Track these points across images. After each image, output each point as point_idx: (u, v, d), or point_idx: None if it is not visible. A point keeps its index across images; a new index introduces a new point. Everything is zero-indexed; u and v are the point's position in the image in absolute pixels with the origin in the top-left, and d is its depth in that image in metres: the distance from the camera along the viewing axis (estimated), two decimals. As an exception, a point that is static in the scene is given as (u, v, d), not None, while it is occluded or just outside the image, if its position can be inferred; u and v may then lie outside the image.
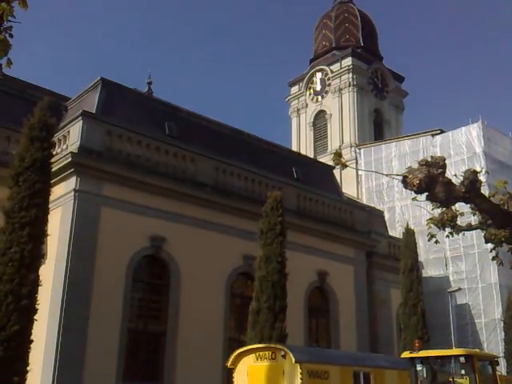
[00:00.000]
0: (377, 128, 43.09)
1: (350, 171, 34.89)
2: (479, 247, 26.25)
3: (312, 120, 44.39)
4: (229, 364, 13.63)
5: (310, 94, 45.11)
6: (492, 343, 26.19)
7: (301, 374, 12.05)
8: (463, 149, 28.83)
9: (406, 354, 15.94)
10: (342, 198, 27.68)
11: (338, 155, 9.78)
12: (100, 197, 17.88)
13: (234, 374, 13.45)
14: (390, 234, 29.94)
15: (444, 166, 8.58)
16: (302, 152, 39.64)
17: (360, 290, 25.12)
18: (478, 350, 17.72)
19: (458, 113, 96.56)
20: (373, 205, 31.53)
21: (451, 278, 27.97)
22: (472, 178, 8.61)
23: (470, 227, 10.25)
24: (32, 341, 12.84)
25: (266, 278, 16.64)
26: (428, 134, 31.36)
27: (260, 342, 14.70)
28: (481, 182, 8.82)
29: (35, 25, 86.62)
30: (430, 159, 8.61)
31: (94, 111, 19.52)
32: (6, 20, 5.20)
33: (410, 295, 23.30)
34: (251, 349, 13.45)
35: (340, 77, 43.05)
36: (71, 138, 18.51)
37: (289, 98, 46.96)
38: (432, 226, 9.67)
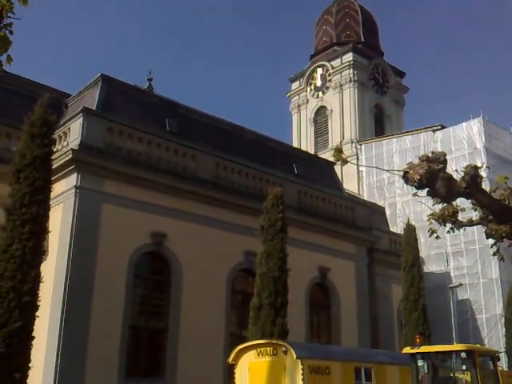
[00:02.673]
0: (378, 124, 43.00)
1: (351, 167, 34.85)
2: (480, 243, 26.24)
3: (313, 116, 44.31)
4: (230, 360, 13.69)
5: (310, 90, 45.01)
6: (493, 339, 26.20)
7: (302, 369, 12.09)
8: (464, 144, 28.79)
9: (407, 350, 15.92)
10: (342, 194, 27.66)
11: (338, 151, 9.78)
12: (101, 193, 17.89)
13: (236, 370, 13.50)
14: (391, 229, 29.93)
15: (445, 162, 8.56)
16: (303, 148, 39.60)
17: (361, 286, 25.13)
18: (479, 346, 17.68)
19: (459, 108, 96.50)
20: (374, 201, 31.51)
21: (452, 274, 27.96)
22: (473, 174, 8.59)
23: (470, 223, 10.22)
24: (34, 337, 12.88)
25: (267, 274, 16.66)
26: (429, 130, 31.31)
27: (261, 338, 14.73)
28: (481, 178, 8.80)
29: (35, 21, 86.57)
30: (430, 155, 8.59)
31: (94, 108, 19.51)
32: (5, 17, 5.20)
33: (411, 291, 23.33)
34: (252, 345, 13.50)
35: (341, 72, 42.95)
36: (72, 134, 18.51)
37: (289, 93, 46.87)
38: (433, 221, 9.64)
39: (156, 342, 18.56)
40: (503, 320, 25.72)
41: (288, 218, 18.03)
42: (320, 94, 44.23)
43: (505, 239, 9.61)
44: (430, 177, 8.35)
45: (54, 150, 15.16)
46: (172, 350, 18.32)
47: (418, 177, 8.30)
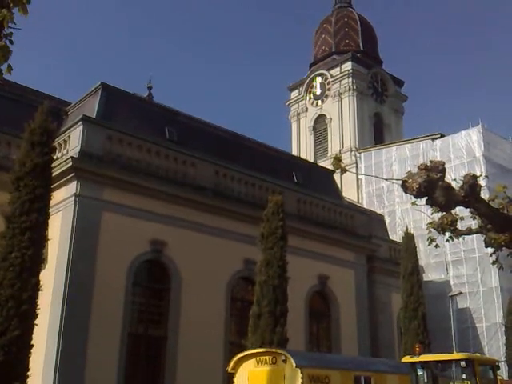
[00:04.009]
0: (377, 132, 43.11)
1: (351, 175, 34.89)
2: (480, 251, 26.24)
3: (312, 124, 44.42)
4: (229, 368, 13.63)
5: (309, 99, 45.15)
6: (493, 347, 26.15)
7: (301, 378, 12.04)
8: (463, 153, 28.88)
9: (406, 359, 15.90)
10: (342, 202, 27.67)
11: (337, 160, 9.76)
12: (100, 201, 17.90)
13: (235, 379, 13.44)
14: (391, 238, 29.93)
15: (443, 171, 8.57)
16: (302, 156, 39.66)
17: (361, 294, 25.09)
18: (478, 355, 17.67)
19: (458, 117, 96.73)
20: (373, 209, 31.52)
21: (452, 282, 27.95)
22: (472, 183, 8.59)
23: (469, 231, 10.20)
24: (32, 345, 12.85)
25: (267, 282, 16.63)
26: (428, 138, 31.41)
27: (261, 347, 14.68)
28: (480, 186, 8.79)
29: (35, 30, 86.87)
30: (429, 163, 8.60)
31: (94, 116, 19.56)
32: (6, 26, 5.23)
33: (410, 299, 23.27)
34: (252, 353, 13.44)
35: (340, 81, 43.11)
36: (72, 142, 18.55)
37: (289, 102, 47.01)
38: (432, 230, 9.62)
39: (155, 350, 18.49)
40: (503, 329, 25.69)
41: (288, 226, 18.02)
42: (319, 102, 44.36)
43: (504, 248, 9.60)
44: (429, 186, 8.35)
45: (54, 157, 15.19)
46: (171, 358, 18.27)
47: (417, 186, 8.30)
